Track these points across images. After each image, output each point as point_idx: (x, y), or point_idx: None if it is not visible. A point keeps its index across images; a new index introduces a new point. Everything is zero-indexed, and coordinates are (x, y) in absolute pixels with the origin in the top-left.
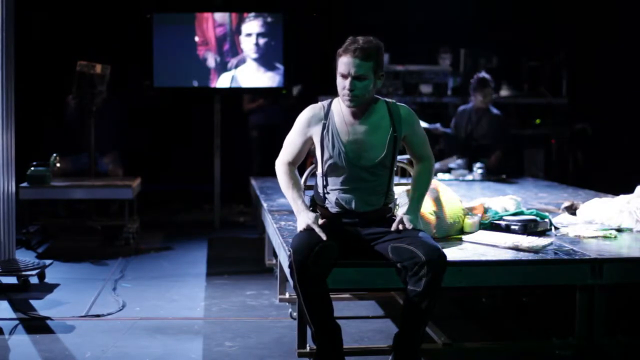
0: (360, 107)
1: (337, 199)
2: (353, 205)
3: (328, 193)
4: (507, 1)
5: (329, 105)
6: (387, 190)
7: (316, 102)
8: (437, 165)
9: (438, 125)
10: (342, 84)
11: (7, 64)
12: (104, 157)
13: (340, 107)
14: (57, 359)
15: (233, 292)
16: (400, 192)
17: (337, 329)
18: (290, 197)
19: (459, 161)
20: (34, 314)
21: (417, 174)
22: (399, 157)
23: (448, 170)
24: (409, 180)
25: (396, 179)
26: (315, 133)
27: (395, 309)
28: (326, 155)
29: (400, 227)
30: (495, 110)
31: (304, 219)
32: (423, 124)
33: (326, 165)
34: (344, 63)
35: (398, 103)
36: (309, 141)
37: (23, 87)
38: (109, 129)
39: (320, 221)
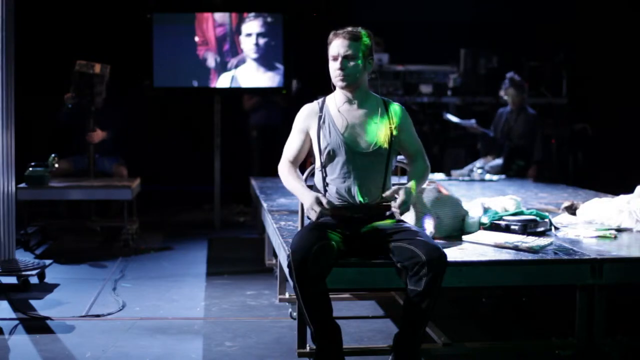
0: (355, 96)
1: (337, 189)
2: (353, 194)
3: (328, 185)
4: (507, 1)
5: (324, 100)
6: (384, 183)
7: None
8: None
9: (473, 121)
10: (334, 66)
11: (7, 64)
12: (105, 160)
13: (334, 100)
14: (57, 359)
15: (233, 292)
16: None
17: (336, 329)
18: (293, 187)
19: (494, 162)
20: (34, 314)
21: (411, 168)
22: (398, 158)
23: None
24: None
25: (396, 179)
26: (312, 126)
27: (395, 309)
28: (324, 144)
29: (392, 193)
30: (530, 110)
31: (308, 199)
32: (455, 119)
33: (324, 154)
34: (335, 46)
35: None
36: (307, 137)
37: (23, 87)
38: (110, 130)
39: (323, 200)
